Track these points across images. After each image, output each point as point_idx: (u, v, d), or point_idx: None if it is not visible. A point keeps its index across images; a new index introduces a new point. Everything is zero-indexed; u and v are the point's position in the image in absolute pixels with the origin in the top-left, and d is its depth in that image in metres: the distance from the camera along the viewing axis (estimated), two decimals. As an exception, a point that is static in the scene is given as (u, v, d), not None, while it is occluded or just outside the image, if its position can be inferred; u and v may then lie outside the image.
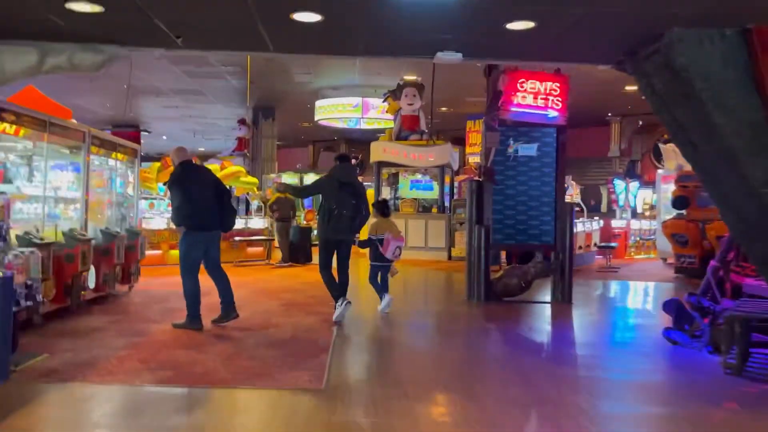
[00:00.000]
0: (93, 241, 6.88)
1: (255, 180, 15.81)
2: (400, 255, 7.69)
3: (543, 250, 8.65)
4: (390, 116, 17.97)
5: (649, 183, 21.08)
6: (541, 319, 7.65)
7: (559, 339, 6.75)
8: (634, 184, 18.06)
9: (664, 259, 13.65)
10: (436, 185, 15.55)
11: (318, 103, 19.68)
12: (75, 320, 6.27)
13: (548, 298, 8.55)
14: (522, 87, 8.27)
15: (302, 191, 8.80)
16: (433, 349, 6.02)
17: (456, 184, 16.64)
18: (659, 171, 14.32)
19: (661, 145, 14.09)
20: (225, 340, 5.69)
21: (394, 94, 15.69)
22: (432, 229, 14.58)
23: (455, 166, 16.43)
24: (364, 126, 20.73)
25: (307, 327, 6.47)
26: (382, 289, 7.49)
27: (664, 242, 13.71)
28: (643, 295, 10.09)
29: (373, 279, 7.59)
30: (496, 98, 8.26)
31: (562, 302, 8.29)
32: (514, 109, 8.30)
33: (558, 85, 8.32)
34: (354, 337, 6.30)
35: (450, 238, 14.58)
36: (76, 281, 6.43)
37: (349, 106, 18.87)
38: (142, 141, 29.42)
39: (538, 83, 8.29)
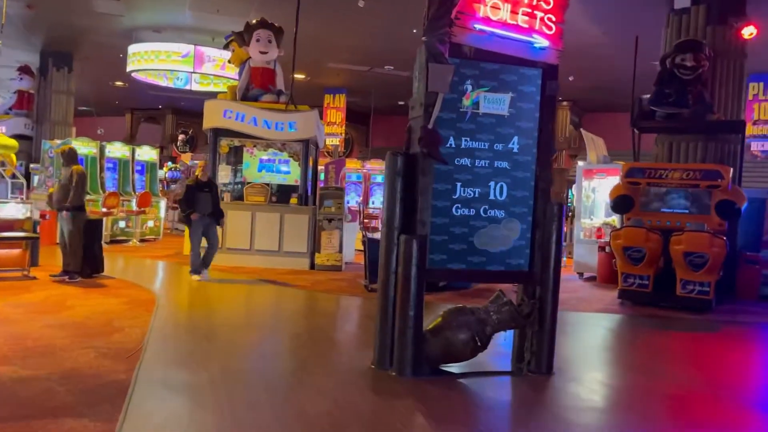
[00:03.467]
0: None
1: (13, 143, 10.51)
2: None
3: (512, 279, 5.06)
4: (234, 74, 13.60)
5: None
6: None
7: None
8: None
9: (581, 274, 10.97)
10: (295, 167, 11.49)
11: (132, 49, 14.55)
12: None
13: (511, 361, 5.03)
14: (493, -11, 4.61)
15: None
16: None
17: (322, 167, 12.72)
18: (580, 163, 11.75)
19: (583, 132, 11.47)
20: None
21: (241, 38, 11.33)
22: (290, 227, 10.53)
23: (321, 144, 12.47)
24: (196, 87, 15.97)
25: None
26: None
27: (582, 252, 11.03)
28: (623, 341, 7.01)
29: None
30: (448, 5, 4.50)
31: (538, 372, 4.79)
32: (478, 26, 4.60)
33: (551, -7, 4.78)
34: None
35: (315, 240, 10.65)
36: None
37: (177, 56, 14.06)
38: None
39: (519, -15, 4.68)
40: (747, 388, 5.08)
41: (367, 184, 15.84)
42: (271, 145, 11.05)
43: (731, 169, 8.44)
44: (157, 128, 26.97)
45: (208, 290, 8.31)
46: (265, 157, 11.79)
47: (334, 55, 16.42)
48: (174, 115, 26.36)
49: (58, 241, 8.49)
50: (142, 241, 13.26)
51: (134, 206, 13.12)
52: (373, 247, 8.80)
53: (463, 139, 4.65)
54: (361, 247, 13.62)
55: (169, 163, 22.07)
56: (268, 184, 11.11)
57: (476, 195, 4.69)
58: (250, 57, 11.23)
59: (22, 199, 9.06)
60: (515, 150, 4.77)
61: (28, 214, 8.70)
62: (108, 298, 7.04)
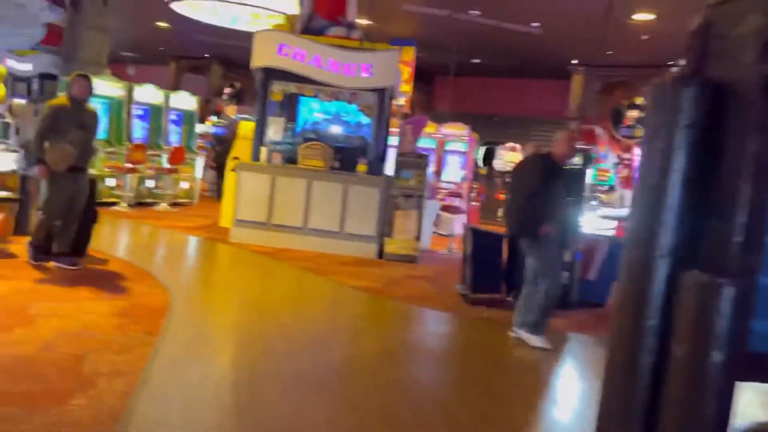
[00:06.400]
0: None
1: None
2: None
3: None
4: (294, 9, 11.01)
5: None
6: None
7: None
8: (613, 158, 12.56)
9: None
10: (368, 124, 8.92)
11: (172, -26, 12.11)
12: None
13: None
14: None
15: None
16: None
17: (398, 128, 10.06)
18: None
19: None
20: None
21: (306, -48, 8.71)
22: (356, 203, 8.03)
23: (398, 95, 9.82)
24: (246, 26, 13.43)
25: None
26: None
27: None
28: None
29: None
30: None
31: None
32: None
33: None
34: None
35: (386, 221, 8.13)
36: None
37: (224, -18, 11.54)
38: None
39: None
40: None
41: (441, 152, 13.19)
42: (338, 94, 8.47)
43: None
44: (201, 80, 24.76)
45: (247, 290, 5.92)
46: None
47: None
48: (221, 66, 24.09)
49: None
50: (173, 205, 11.02)
51: (165, 163, 10.84)
52: (481, 243, 6.23)
53: None
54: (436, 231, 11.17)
55: (214, 117, 19.79)
56: (330, 146, 8.57)
57: None
58: (316, -22, 8.63)
59: (7, 145, 6.78)
60: None
61: (14, 166, 6.42)
62: (95, 303, 4.66)
